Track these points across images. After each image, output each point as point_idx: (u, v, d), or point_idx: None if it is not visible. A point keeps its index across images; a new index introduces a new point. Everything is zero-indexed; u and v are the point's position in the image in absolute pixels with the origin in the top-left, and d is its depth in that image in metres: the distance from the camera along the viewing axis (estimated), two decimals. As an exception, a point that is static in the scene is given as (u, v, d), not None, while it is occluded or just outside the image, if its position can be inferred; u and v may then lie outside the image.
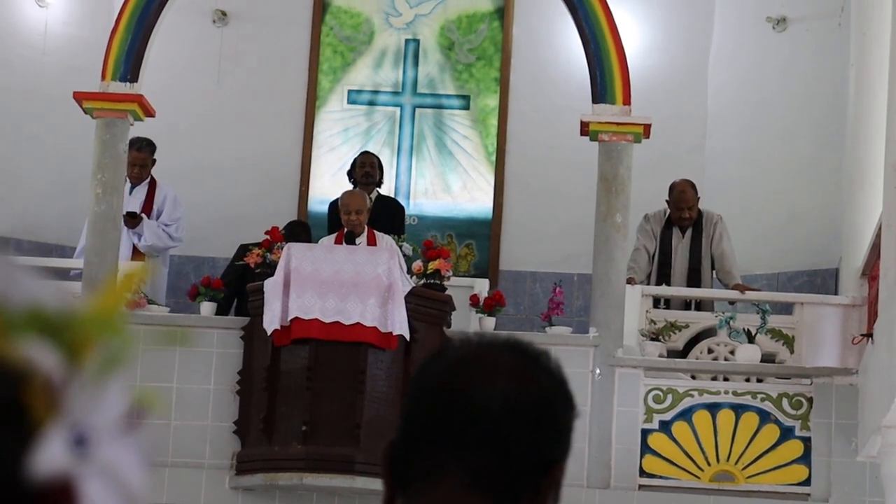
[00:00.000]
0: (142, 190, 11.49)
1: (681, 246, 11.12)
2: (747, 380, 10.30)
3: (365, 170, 11.50)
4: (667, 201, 11.22)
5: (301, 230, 11.30)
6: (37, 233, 12.45)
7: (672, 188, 11.20)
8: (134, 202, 11.38)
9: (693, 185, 11.19)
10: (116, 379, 1.01)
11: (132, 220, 11.17)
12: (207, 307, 10.32)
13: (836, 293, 11.34)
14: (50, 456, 0.99)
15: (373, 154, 11.83)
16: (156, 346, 9.71)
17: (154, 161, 11.54)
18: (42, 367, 0.99)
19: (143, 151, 11.33)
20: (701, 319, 10.67)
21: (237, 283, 10.69)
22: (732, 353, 10.40)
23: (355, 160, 11.70)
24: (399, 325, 9.65)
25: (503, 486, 1.63)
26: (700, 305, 10.97)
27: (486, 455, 1.63)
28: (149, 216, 11.44)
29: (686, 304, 10.98)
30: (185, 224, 11.63)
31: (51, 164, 12.52)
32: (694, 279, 11.06)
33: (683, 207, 11.10)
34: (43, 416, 1.00)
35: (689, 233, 11.13)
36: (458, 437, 1.63)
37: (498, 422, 1.63)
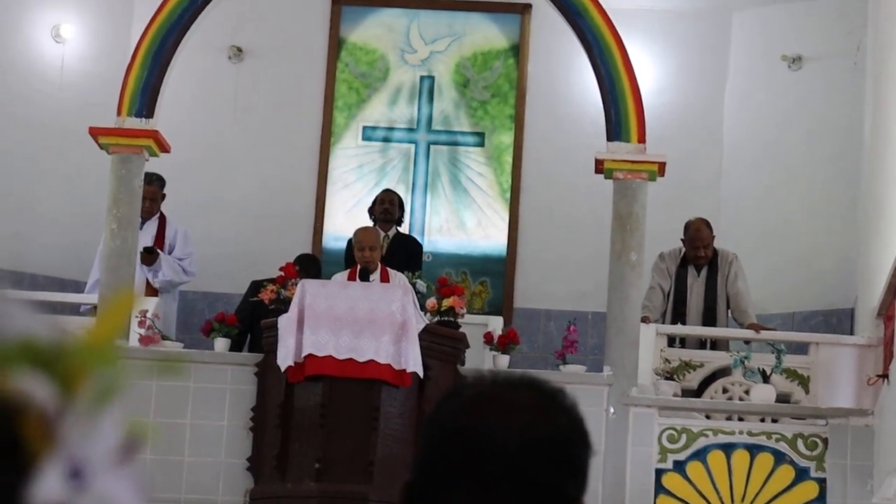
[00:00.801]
0: (152, 225, 11.51)
1: (696, 285, 11.10)
2: (762, 420, 10.25)
3: (384, 206, 11.51)
4: (682, 240, 11.21)
5: (310, 263, 11.29)
6: (52, 267, 12.47)
7: (687, 227, 11.19)
8: (145, 237, 11.39)
9: (708, 224, 11.18)
10: (111, 410, 1.00)
11: (149, 255, 11.18)
12: (221, 343, 10.32)
13: (851, 333, 11.30)
14: (46, 488, 0.98)
15: (394, 192, 11.84)
16: (168, 373, 9.70)
17: (164, 196, 11.56)
18: (37, 399, 0.98)
19: (153, 185, 11.34)
20: (716, 359, 10.64)
21: (250, 320, 10.69)
22: (747, 392, 10.36)
23: (376, 197, 11.72)
24: (413, 362, 9.63)
25: None
26: (715, 345, 10.93)
27: (504, 493, 1.62)
28: (161, 251, 11.46)
29: (701, 343, 10.95)
30: (196, 258, 11.65)
31: (66, 199, 12.55)
32: (709, 318, 11.03)
33: (699, 246, 11.08)
34: (39, 449, 0.99)
35: (704, 271, 11.11)
36: (477, 475, 1.62)
37: (516, 460, 1.62)
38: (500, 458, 1.62)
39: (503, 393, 1.66)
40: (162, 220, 11.58)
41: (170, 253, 11.54)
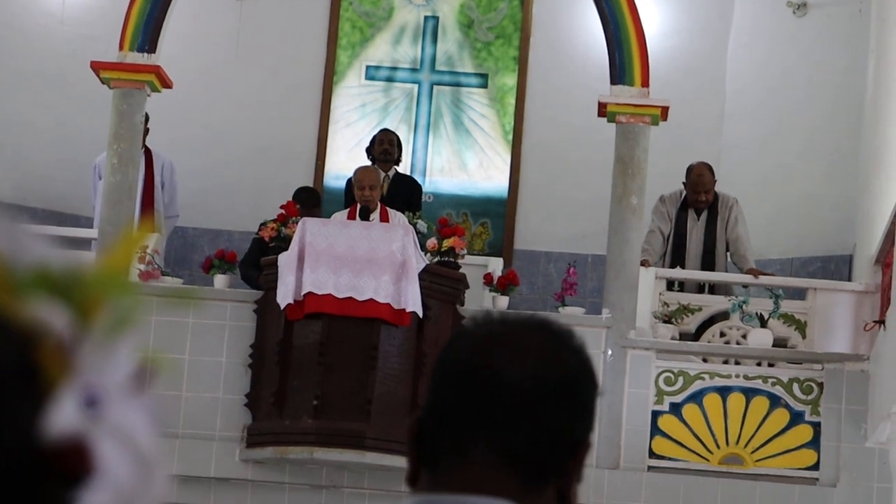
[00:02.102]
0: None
1: (696, 228, 11.10)
2: (759, 364, 10.29)
3: (384, 147, 11.49)
4: (683, 183, 11.20)
5: (309, 197, 11.24)
6: (51, 201, 12.48)
7: (689, 171, 11.18)
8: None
9: (710, 169, 11.17)
10: (126, 339, 1.02)
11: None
12: (221, 279, 10.33)
13: (849, 279, 11.33)
14: (63, 416, 1.00)
15: (392, 132, 11.81)
16: (168, 308, 9.72)
17: (148, 130, 11.40)
18: (53, 327, 1.00)
19: None
20: (714, 303, 10.67)
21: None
22: (744, 337, 10.40)
23: (374, 137, 11.68)
24: (412, 302, 9.66)
25: (532, 465, 1.64)
26: (713, 289, 10.96)
27: (516, 433, 1.63)
28: (152, 187, 11.45)
29: (700, 287, 10.97)
30: (178, 194, 11.70)
31: (67, 134, 12.53)
32: (708, 262, 11.04)
33: (700, 191, 11.07)
34: (55, 377, 1.00)
35: (704, 215, 11.11)
36: (489, 416, 1.64)
37: (528, 401, 1.64)
38: (513, 399, 1.63)
39: (514, 333, 1.67)
40: (148, 155, 11.53)
41: (163, 188, 11.56)
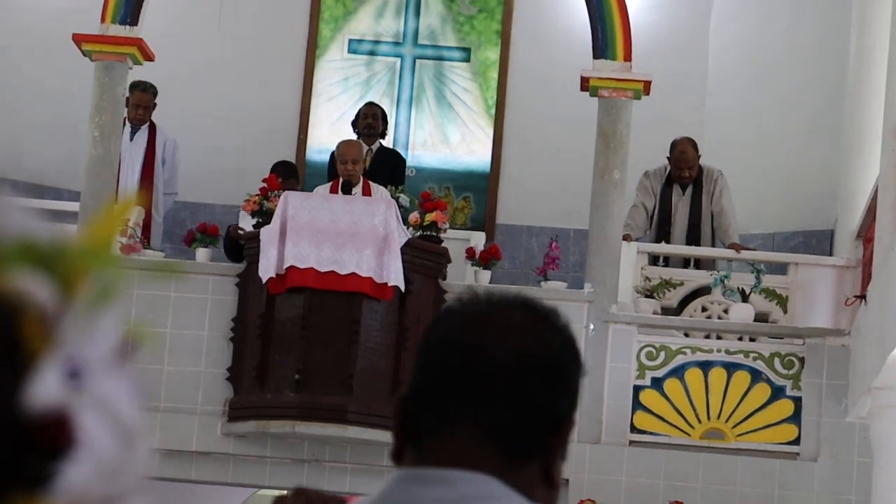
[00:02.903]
0: (143, 135, 11.50)
1: (681, 203, 11.12)
2: (740, 339, 10.32)
3: (368, 121, 11.47)
4: (668, 158, 11.22)
5: (287, 171, 11.22)
6: (33, 174, 12.44)
7: (673, 146, 11.19)
8: (136, 148, 11.39)
9: (694, 144, 11.18)
10: (108, 311, 1.02)
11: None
12: (203, 253, 10.32)
13: (831, 254, 11.36)
14: (45, 388, 1.00)
15: (377, 105, 11.78)
16: (150, 282, 9.71)
17: (155, 105, 11.56)
18: (36, 298, 0.99)
19: (147, 93, 11.38)
20: (696, 278, 10.69)
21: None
22: (726, 311, 10.42)
23: (359, 111, 11.66)
24: (394, 276, 9.66)
25: (516, 441, 1.66)
26: (699, 263, 10.97)
27: (501, 410, 1.65)
28: (153, 161, 11.46)
29: (686, 262, 10.99)
30: (179, 173, 11.70)
31: (49, 106, 12.49)
32: (694, 236, 11.06)
33: (683, 166, 11.09)
34: (38, 348, 1.00)
35: (689, 190, 11.13)
36: (474, 393, 1.65)
37: (513, 378, 1.66)
38: (498, 376, 1.65)
39: (499, 311, 1.69)
40: (152, 130, 11.56)
41: (164, 165, 11.58)
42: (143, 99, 11.30)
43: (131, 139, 11.30)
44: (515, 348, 1.66)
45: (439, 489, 1.62)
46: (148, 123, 11.54)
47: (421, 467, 1.65)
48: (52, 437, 0.99)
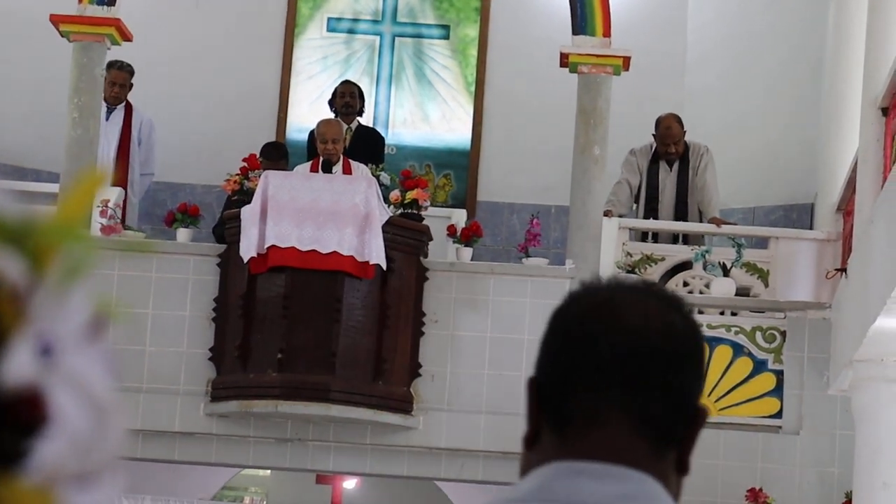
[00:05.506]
0: (119, 114, 11.47)
1: (668, 180, 11.14)
2: (722, 313, 10.34)
3: (345, 100, 11.44)
4: (653, 135, 11.22)
5: (276, 151, 11.21)
6: (12, 156, 12.39)
7: (658, 123, 11.19)
8: (112, 128, 11.35)
9: (679, 120, 11.19)
10: (80, 288, 1.01)
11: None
12: (184, 233, 10.30)
13: (811, 228, 11.38)
14: (17, 365, 0.99)
15: (354, 83, 11.75)
16: (131, 262, 9.70)
17: (132, 85, 11.54)
18: (7, 275, 0.99)
19: (123, 71, 11.36)
20: (677, 253, 10.70)
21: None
22: (707, 286, 10.44)
23: (336, 89, 11.63)
24: (376, 254, 9.65)
25: (665, 431, 1.64)
26: (688, 239, 10.97)
27: (653, 399, 1.63)
28: (128, 141, 11.43)
29: (674, 238, 11.00)
30: (156, 151, 11.68)
31: (27, 88, 12.44)
32: (681, 212, 11.08)
33: (669, 143, 11.09)
34: (9, 326, 1.00)
35: (676, 166, 11.14)
36: (625, 382, 1.63)
37: (661, 367, 1.63)
38: (645, 364, 1.63)
39: (633, 299, 1.66)
40: (128, 109, 11.54)
41: (140, 144, 11.55)
42: (119, 77, 11.28)
43: (107, 119, 11.26)
44: (662, 336, 1.64)
45: (610, 485, 1.58)
46: (124, 103, 11.52)
47: (571, 459, 1.61)
48: (25, 414, 0.99)
